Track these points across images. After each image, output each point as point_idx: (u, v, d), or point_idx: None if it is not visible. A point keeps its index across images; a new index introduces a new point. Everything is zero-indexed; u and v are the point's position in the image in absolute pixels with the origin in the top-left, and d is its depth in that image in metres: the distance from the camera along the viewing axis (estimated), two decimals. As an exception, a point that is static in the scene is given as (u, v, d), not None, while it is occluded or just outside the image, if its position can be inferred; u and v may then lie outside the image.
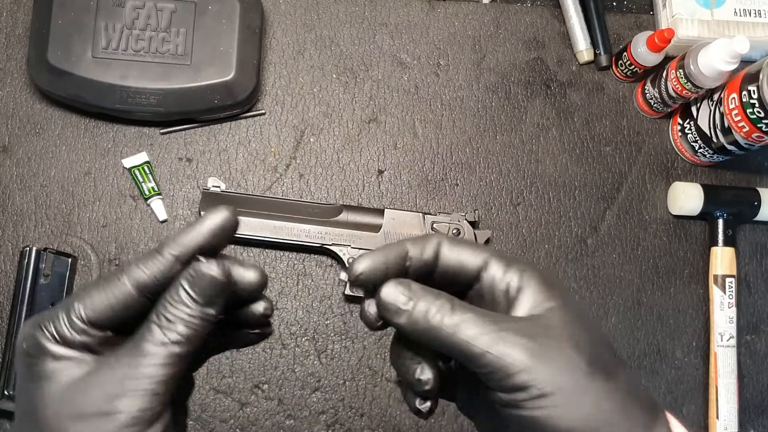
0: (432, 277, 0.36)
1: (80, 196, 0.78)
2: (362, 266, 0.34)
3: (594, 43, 0.86)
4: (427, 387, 0.34)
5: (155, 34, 0.76)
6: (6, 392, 0.69)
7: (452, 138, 0.83)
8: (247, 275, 0.34)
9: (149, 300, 0.33)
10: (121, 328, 0.33)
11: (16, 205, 0.77)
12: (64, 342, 0.31)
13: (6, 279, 0.75)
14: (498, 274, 0.34)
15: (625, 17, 0.88)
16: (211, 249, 0.33)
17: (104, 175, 0.79)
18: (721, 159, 0.82)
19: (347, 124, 0.83)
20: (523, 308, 0.33)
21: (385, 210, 0.77)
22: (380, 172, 0.82)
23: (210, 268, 0.32)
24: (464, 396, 0.39)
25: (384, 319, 0.34)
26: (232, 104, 0.78)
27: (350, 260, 0.76)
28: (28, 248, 0.73)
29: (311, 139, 0.82)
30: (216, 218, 0.33)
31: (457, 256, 0.35)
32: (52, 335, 0.31)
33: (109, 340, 0.33)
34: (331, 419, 0.75)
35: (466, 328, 0.31)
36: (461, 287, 0.36)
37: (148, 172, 0.78)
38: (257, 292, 0.35)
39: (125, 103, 0.75)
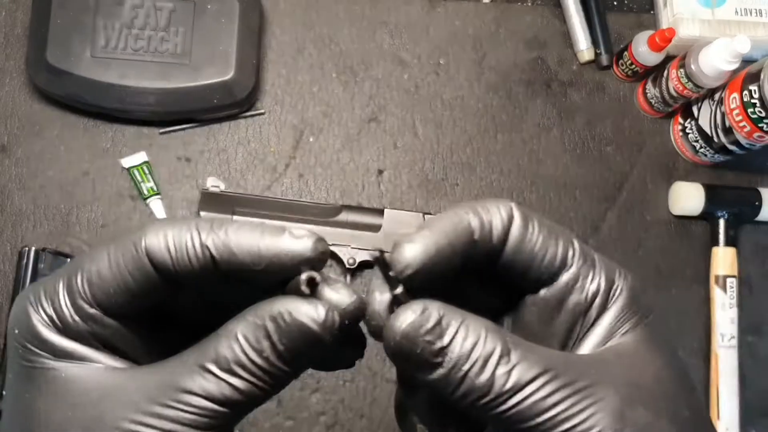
0: (485, 272, 0.27)
1: (79, 196, 0.78)
2: (412, 253, 0.25)
3: (595, 43, 0.85)
4: None
5: (154, 34, 0.76)
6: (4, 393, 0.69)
7: (453, 137, 0.83)
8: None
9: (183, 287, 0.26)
10: (142, 318, 0.26)
11: (15, 206, 0.77)
12: (66, 330, 0.25)
13: (5, 279, 0.75)
14: (583, 281, 0.26)
15: (626, 17, 0.88)
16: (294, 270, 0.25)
17: (103, 175, 0.78)
18: (722, 159, 0.81)
19: (347, 123, 0.82)
20: (595, 338, 0.26)
21: (385, 210, 0.77)
22: (380, 171, 0.82)
23: (315, 314, 0.24)
24: None
25: (403, 371, 0.27)
26: (232, 104, 0.77)
27: (350, 260, 0.75)
28: (26, 248, 0.72)
29: (311, 139, 0.82)
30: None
31: (534, 245, 0.26)
32: (51, 319, 0.25)
33: (124, 336, 0.26)
34: (330, 420, 0.75)
35: (533, 390, 0.23)
36: (518, 291, 0.28)
37: (147, 171, 0.78)
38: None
39: (124, 103, 0.75)
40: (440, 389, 0.24)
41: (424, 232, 0.25)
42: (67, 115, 0.79)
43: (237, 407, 0.24)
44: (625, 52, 0.81)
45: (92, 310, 0.25)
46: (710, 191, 0.81)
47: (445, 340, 0.24)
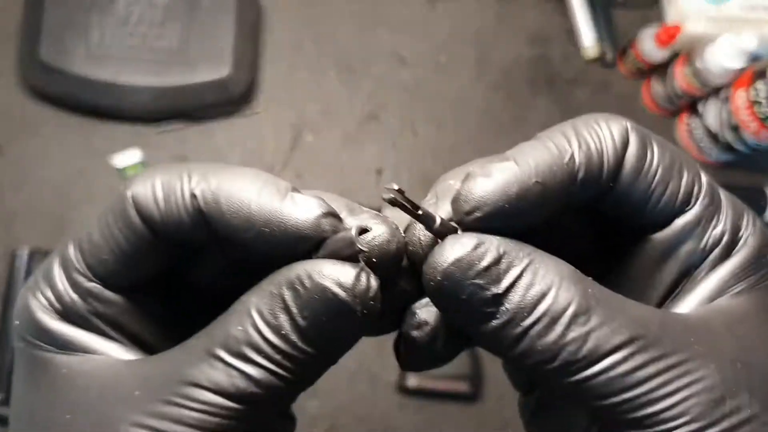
0: (582, 209, 0.22)
1: (73, 196, 0.76)
2: (486, 190, 0.19)
3: (599, 40, 0.84)
4: None
5: (149, 30, 0.74)
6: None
7: (453, 137, 0.82)
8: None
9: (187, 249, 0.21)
10: (152, 291, 0.22)
11: (8, 206, 0.76)
12: (66, 313, 0.21)
13: (-3, 281, 0.74)
14: (704, 226, 0.21)
15: (631, 13, 0.87)
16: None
17: (98, 174, 0.77)
18: (728, 158, 0.80)
19: (346, 122, 0.81)
20: (702, 293, 0.21)
21: (386, 210, 0.76)
22: (379, 171, 0.80)
23: (341, 276, 0.19)
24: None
25: (446, 317, 0.21)
26: (228, 101, 0.76)
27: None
28: (20, 250, 0.71)
29: (309, 138, 0.80)
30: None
31: (652, 179, 0.21)
32: (50, 302, 0.21)
33: (133, 314, 0.22)
34: (329, 425, 0.74)
35: (613, 362, 0.19)
36: (621, 232, 0.23)
37: (141, 170, 0.76)
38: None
39: (119, 101, 0.74)
40: (491, 346, 0.20)
41: (508, 164, 0.19)
42: (61, 114, 0.78)
43: (253, 402, 0.19)
44: (630, 49, 0.80)
45: (90, 284, 0.21)
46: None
47: (503, 285, 0.19)
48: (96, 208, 0.76)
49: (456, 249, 0.19)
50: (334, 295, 0.19)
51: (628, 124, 0.21)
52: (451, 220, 0.20)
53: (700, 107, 0.79)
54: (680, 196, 0.21)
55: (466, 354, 0.71)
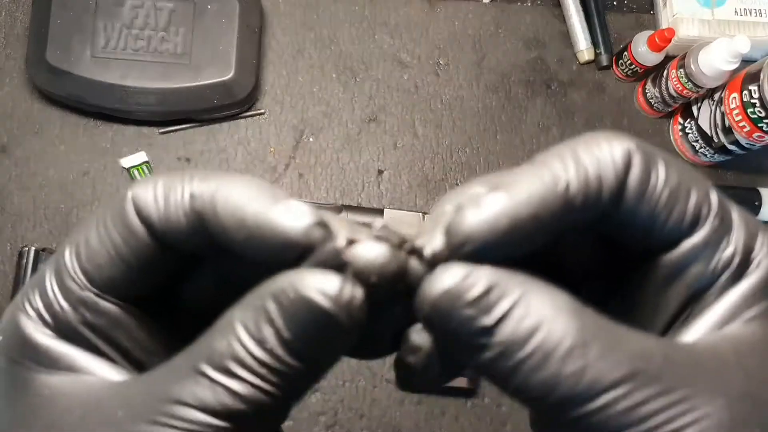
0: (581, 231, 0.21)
1: (79, 196, 0.78)
2: (476, 223, 0.19)
3: (594, 43, 0.85)
4: None
5: (154, 34, 0.76)
6: None
7: (452, 138, 0.83)
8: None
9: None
10: (149, 304, 0.22)
11: (15, 205, 0.77)
12: (57, 325, 0.20)
13: (5, 280, 0.75)
14: (713, 248, 0.20)
15: (625, 17, 0.88)
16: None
17: (103, 175, 0.78)
18: (721, 159, 0.81)
19: (347, 123, 0.82)
20: (711, 318, 0.20)
21: (385, 210, 0.77)
22: (380, 171, 0.82)
23: (325, 285, 0.18)
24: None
25: (440, 346, 0.20)
26: (231, 104, 0.77)
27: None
28: (26, 248, 0.72)
29: (311, 139, 0.82)
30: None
31: (657, 201, 0.20)
32: (38, 314, 0.20)
33: (128, 328, 0.21)
34: (330, 421, 0.75)
35: (613, 398, 0.17)
36: (623, 255, 0.22)
37: (147, 171, 0.78)
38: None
39: (124, 103, 0.75)
40: (487, 377, 0.19)
41: (499, 195, 0.19)
42: (67, 115, 0.79)
43: (240, 419, 0.18)
44: (625, 52, 0.81)
45: (83, 293, 0.20)
46: (710, 191, 0.80)
47: (494, 316, 0.18)
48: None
49: (444, 279, 0.18)
50: (317, 305, 0.18)
51: (631, 145, 0.20)
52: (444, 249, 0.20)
53: (693, 109, 0.81)
54: (687, 218, 0.20)
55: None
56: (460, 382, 0.72)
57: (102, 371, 0.20)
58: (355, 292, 0.18)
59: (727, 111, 0.74)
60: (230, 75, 0.75)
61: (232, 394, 0.18)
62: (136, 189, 0.20)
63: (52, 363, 0.20)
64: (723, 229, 0.20)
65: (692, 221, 0.20)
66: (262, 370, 0.18)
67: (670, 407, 0.17)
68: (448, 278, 0.18)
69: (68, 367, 0.20)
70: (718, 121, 0.76)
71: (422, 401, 0.74)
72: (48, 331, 0.20)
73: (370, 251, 0.19)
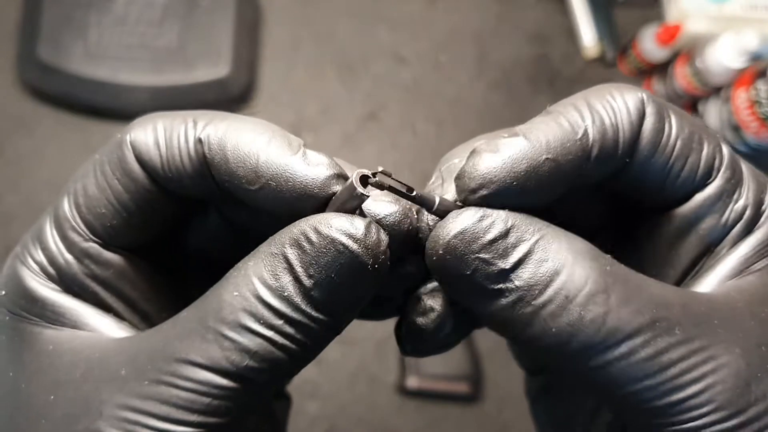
0: (596, 184, 0.20)
1: (71, 196, 0.76)
2: (492, 166, 0.17)
3: (600, 39, 0.84)
4: None
5: (147, 29, 0.74)
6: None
7: (453, 136, 0.81)
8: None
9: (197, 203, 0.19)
10: (154, 253, 0.20)
11: (5, 206, 0.75)
12: (61, 278, 0.19)
13: (-5, 281, 0.73)
14: (725, 201, 0.20)
15: (631, 12, 0.86)
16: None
17: (96, 174, 0.77)
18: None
19: (345, 121, 0.81)
20: (724, 270, 0.19)
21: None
22: (379, 170, 0.80)
23: (351, 227, 0.17)
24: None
25: (450, 295, 0.19)
26: (227, 101, 0.76)
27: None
28: (17, 249, 0.71)
29: (308, 137, 0.80)
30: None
31: (670, 153, 0.19)
32: (41, 267, 0.19)
33: (132, 279, 0.20)
34: (329, 426, 0.74)
35: (635, 347, 0.17)
36: (638, 208, 0.21)
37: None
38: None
39: (117, 100, 0.74)
40: (500, 327, 0.18)
41: (517, 139, 0.18)
42: (59, 113, 0.78)
43: (249, 380, 0.17)
44: (631, 48, 0.80)
45: (87, 244, 0.19)
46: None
47: (511, 260, 0.17)
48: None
49: (459, 221, 0.17)
50: (345, 247, 0.17)
51: (644, 95, 0.19)
52: (455, 200, 0.18)
53: (700, 107, 0.79)
54: (700, 169, 0.19)
55: (466, 355, 0.70)
56: (461, 387, 0.70)
57: (106, 327, 0.19)
58: (380, 236, 0.17)
59: (735, 109, 0.73)
60: (226, 71, 0.74)
61: (242, 350, 0.17)
62: (135, 133, 0.19)
63: (56, 318, 0.19)
64: (735, 181, 0.20)
65: (705, 173, 0.19)
66: (278, 322, 0.17)
67: (689, 356, 0.17)
68: (464, 219, 0.17)
69: (73, 323, 0.19)
70: (726, 119, 0.75)
71: (422, 408, 0.73)
72: (52, 285, 0.19)
73: (395, 218, 0.18)
